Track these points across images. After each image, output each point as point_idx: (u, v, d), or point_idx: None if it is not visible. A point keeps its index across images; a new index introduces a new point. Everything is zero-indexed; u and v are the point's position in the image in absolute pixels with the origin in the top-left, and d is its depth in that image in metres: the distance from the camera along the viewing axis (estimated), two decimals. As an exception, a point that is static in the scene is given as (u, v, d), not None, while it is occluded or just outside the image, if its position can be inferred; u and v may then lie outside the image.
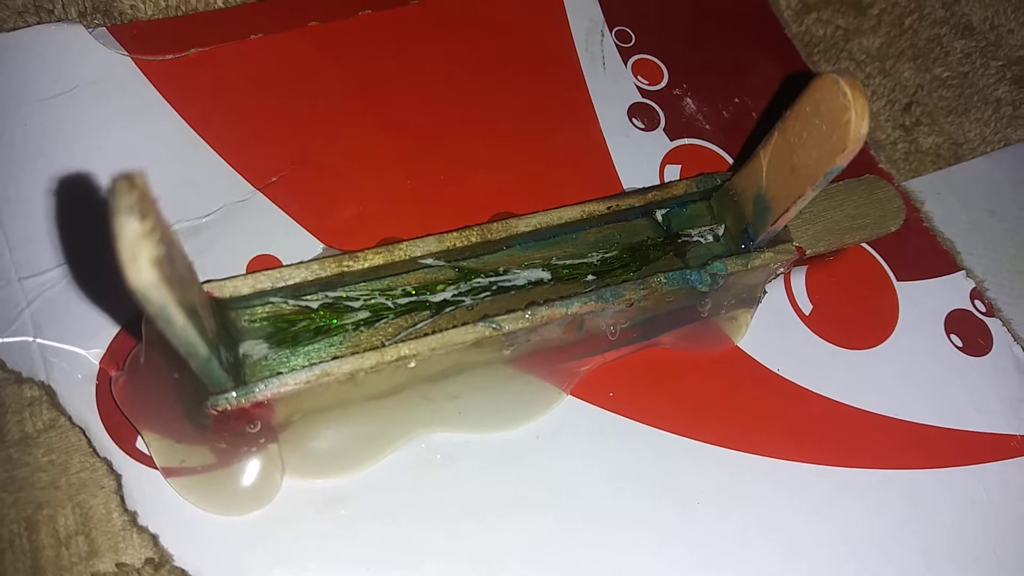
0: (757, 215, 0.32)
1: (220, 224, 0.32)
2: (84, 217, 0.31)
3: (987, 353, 0.39)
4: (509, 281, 0.31)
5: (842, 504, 0.33)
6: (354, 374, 0.27)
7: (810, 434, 0.34)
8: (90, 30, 0.34)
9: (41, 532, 0.28)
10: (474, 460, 0.30)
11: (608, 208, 0.32)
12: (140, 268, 0.17)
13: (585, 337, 0.32)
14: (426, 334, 0.28)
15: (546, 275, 0.32)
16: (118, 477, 0.28)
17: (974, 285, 0.40)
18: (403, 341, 0.28)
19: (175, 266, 0.20)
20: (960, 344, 0.38)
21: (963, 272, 0.40)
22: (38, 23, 0.34)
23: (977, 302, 0.40)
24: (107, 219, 0.17)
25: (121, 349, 0.29)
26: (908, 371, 0.37)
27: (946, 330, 0.39)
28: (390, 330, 0.30)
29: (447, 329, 0.28)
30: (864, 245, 0.39)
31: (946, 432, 0.36)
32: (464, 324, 0.28)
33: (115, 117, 0.33)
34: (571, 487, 0.31)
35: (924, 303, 0.39)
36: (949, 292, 0.40)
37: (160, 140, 0.33)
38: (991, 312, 0.40)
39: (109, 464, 0.28)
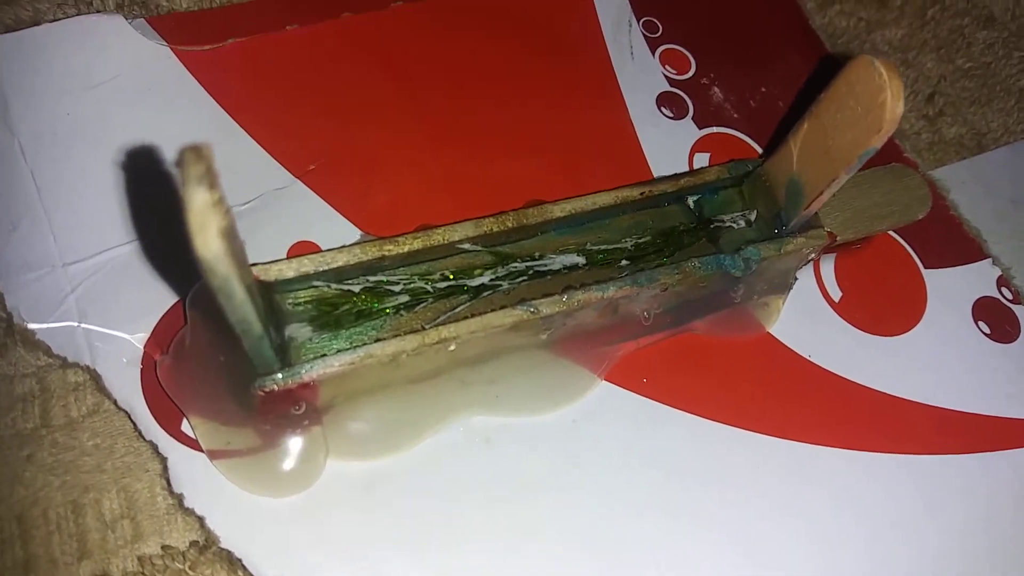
0: (789, 200, 0.32)
1: (260, 211, 0.32)
2: (126, 204, 0.31)
3: (1015, 340, 0.39)
4: (545, 266, 0.31)
5: (872, 488, 0.34)
6: (397, 356, 0.27)
7: (840, 419, 0.35)
8: (129, 20, 0.34)
9: (87, 515, 0.28)
10: (511, 443, 0.31)
11: (641, 194, 0.32)
12: (208, 237, 0.18)
13: (619, 322, 0.32)
14: (465, 317, 0.28)
15: (581, 260, 0.32)
16: (163, 460, 0.28)
17: (1001, 273, 0.40)
18: (443, 324, 0.28)
19: (234, 242, 0.20)
20: (988, 331, 0.39)
21: (990, 260, 0.41)
22: (77, 14, 0.34)
23: (1004, 289, 0.40)
24: (175, 191, 0.18)
25: (165, 333, 0.29)
26: (936, 358, 0.37)
27: (974, 317, 0.39)
28: (429, 314, 0.30)
29: (486, 313, 0.29)
30: (891, 233, 0.40)
31: (974, 417, 0.36)
32: (502, 308, 0.29)
33: (155, 106, 0.33)
34: (606, 470, 0.31)
35: (951, 290, 0.39)
36: (976, 280, 0.40)
37: (199, 128, 0.33)
38: (1018, 299, 0.40)
39: (154, 447, 0.28)
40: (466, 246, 0.30)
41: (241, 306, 0.21)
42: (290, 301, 0.28)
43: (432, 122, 0.36)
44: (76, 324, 0.29)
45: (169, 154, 0.32)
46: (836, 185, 0.30)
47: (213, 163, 0.18)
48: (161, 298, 0.30)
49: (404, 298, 0.30)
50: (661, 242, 0.33)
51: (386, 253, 0.29)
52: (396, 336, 0.27)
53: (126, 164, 0.31)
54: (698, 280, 0.32)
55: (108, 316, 0.29)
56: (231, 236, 0.20)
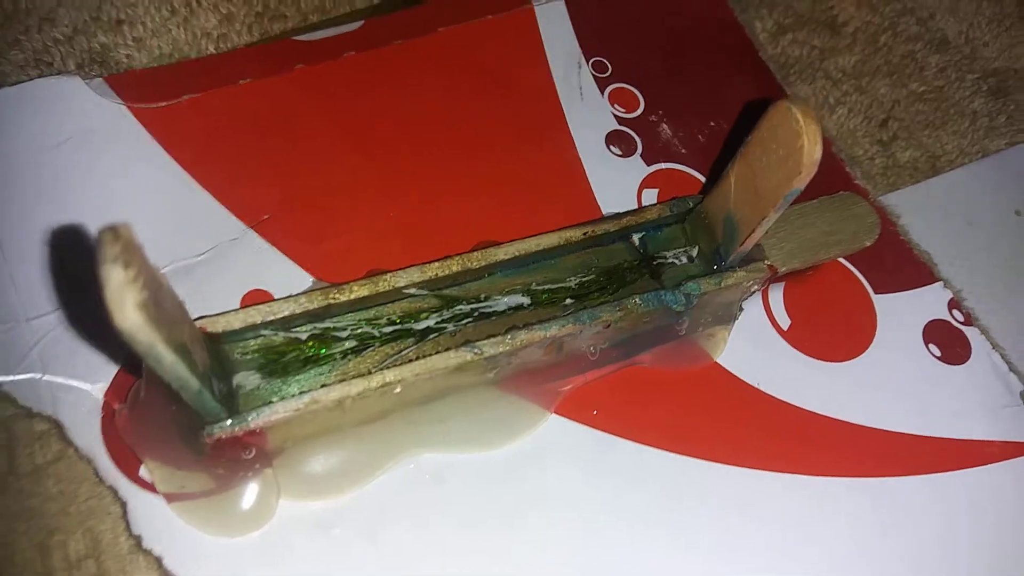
0: (727, 236, 0.33)
1: (214, 262, 0.33)
2: (86, 259, 0.32)
3: (966, 361, 0.39)
4: (490, 307, 0.33)
5: (824, 513, 0.34)
6: (342, 401, 0.28)
7: (790, 446, 0.35)
8: (87, 81, 0.36)
9: (53, 557, 0.29)
10: (462, 480, 0.32)
11: (584, 234, 0.34)
12: (126, 312, 0.19)
13: (566, 358, 0.33)
14: (410, 360, 0.30)
15: (526, 300, 0.33)
16: (123, 504, 0.29)
17: (952, 295, 0.41)
18: (388, 368, 0.29)
19: (163, 307, 0.22)
20: (939, 354, 0.39)
21: (940, 283, 0.41)
22: (39, 76, 0.36)
23: (955, 311, 0.41)
24: (95, 268, 0.19)
25: (123, 384, 0.31)
26: (887, 382, 0.38)
27: (924, 340, 0.39)
28: (376, 358, 0.31)
29: (431, 355, 0.30)
30: (841, 260, 0.40)
31: (926, 440, 0.37)
32: (447, 350, 0.30)
33: (113, 163, 0.35)
34: (557, 503, 0.32)
35: (902, 315, 0.40)
36: (927, 303, 0.41)
37: (156, 183, 0.34)
38: (969, 321, 0.40)
39: (115, 492, 0.30)
40: (412, 291, 0.32)
41: (172, 368, 0.22)
42: (239, 351, 0.29)
43: (384, 168, 0.37)
44: (39, 376, 0.31)
45: (126, 210, 0.33)
46: (767, 223, 0.31)
47: (132, 240, 0.19)
48: (119, 350, 0.31)
49: (351, 343, 0.31)
50: (605, 280, 0.34)
51: (332, 301, 0.30)
52: (342, 381, 0.29)
53: (83, 220, 0.33)
54: (640, 316, 0.33)
55: (69, 368, 0.31)
56: (157, 303, 0.21)
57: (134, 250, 0.19)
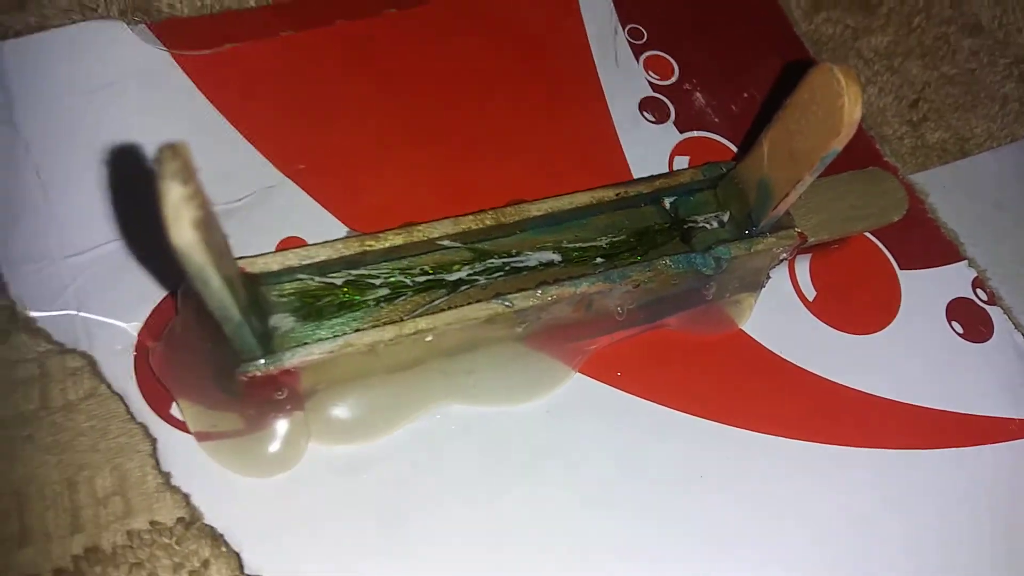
0: (760, 201, 0.33)
1: (252, 208, 0.34)
2: (124, 201, 0.33)
3: (988, 340, 0.40)
4: (521, 262, 0.33)
5: (843, 481, 0.34)
6: (374, 346, 0.28)
7: (811, 413, 0.35)
8: (131, 27, 0.36)
9: (81, 492, 0.29)
10: (487, 431, 0.32)
11: (617, 194, 0.34)
12: (182, 228, 0.19)
13: (594, 317, 0.33)
14: (442, 310, 0.30)
15: (556, 257, 0.33)
16: (153, 441, 0.30)
17: (976, 274, 0.41)
18: (420, 316, 0.29)
19: (213, 234, 0.22)
20: (961, 331, 0.39)
21: (965, 262, 0.41)
22: (82, 20, 0.36)
23: (979, 290, 0.41)
24: (153, 185, 0.19)
25: (157, 322, 0.31)
26: (909, 356, 0.38)
27: (947, 317, 0.40)
28: (408, 306, 0.31)
29: (462, 306, 0.30)
30: (868, 235, 0.41)
31: (946, 414, 0.37)
32: (478, 301, 0.30)
33: (154, 108, 0.35)
34: (578, 460, 0.32)
35: (926, 291, 0.40)
36: (951, 281, 0.41)
37: (196, 129, 0.35)
38: (992, 300, 0.41)
39: (145, 429, 0.30)
40: (446, 243, 0.32)
41: (218, 292, 0.22)
42: (275, 293, 0.30)
43: (421, 124, 0.38)
44: (75, 313, 0.31)
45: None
46: (801, 187, 0.31)
47: (190, 160, 0.20)
48: (154, 290, 0.31)
49: (384, 291, 0.31)
50: (635, 241, 0.34)
51: (368, 248, 0.30)
52: (375, 327, 0.29)
53: (124, 162, 0.33)
54: (670, 277, 0.33)
55: (105, 306, 0.31)
56: (209, 228, 0.21)
57: (191, 169, 0.20)
